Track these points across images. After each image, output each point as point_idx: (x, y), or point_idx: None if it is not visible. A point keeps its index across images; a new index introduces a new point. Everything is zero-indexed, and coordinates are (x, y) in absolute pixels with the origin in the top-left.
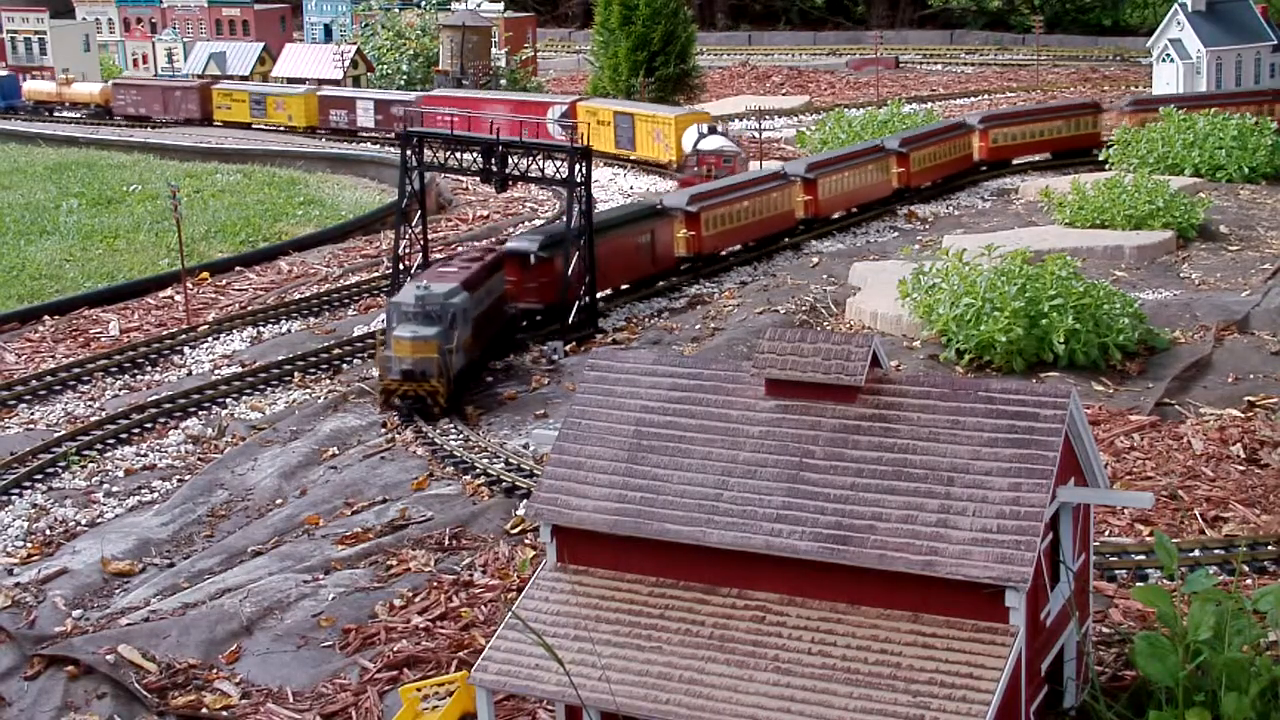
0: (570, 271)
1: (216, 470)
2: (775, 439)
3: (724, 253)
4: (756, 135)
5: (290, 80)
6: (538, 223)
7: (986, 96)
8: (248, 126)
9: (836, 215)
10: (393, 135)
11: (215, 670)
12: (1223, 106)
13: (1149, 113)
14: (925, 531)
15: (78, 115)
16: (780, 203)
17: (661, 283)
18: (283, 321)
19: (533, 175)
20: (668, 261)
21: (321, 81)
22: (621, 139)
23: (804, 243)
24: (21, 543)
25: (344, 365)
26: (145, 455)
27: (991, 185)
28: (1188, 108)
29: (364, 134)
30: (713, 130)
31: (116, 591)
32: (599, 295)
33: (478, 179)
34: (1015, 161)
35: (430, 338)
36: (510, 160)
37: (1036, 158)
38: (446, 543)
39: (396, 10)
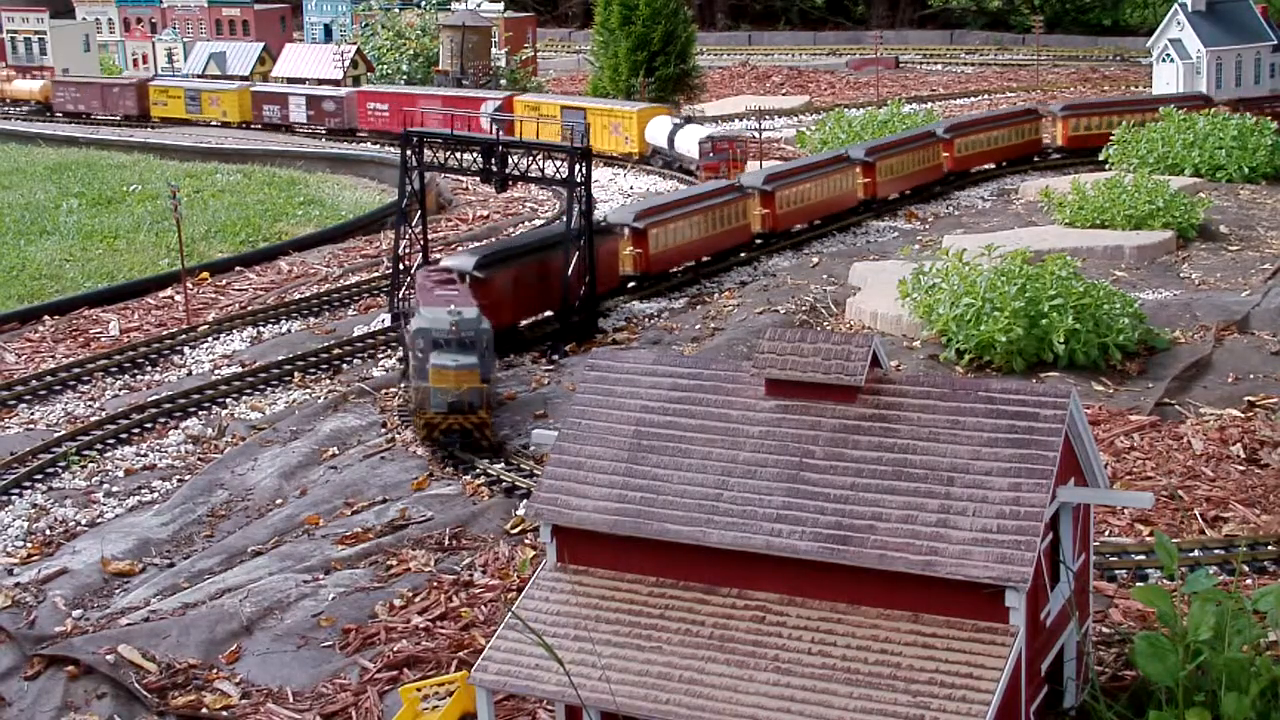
0: (570, 272)
1: (216, 470)
2: (775, 439)
3: (674, 270)
4: (756, 135)
5: (290, 80)
6: (537, 223)
7: (987, 96)
8: (184, 122)
9: (797, 229)
10: (323, 130)
11: (215, 670)
12: (1146, 114)
13: (1082, 117)
14: (925, 531)
15: (20, 111)
16: (735, 216)
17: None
18: (283, 321)
19: (533, 175)
20: (611, 281)
21: (321, 81)
22: (575, 132)
23: (758, 258)
24: (21, 543)
25: (344, 365)
26: (145, 455)
27: (991, 185)
28: (1117, 113)
29: (297, 128)
30: (689, 120)
31: (116, 591)
32: (521, 323)
33: (478, 179)
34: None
35: (473, 366)
36: (510, 160)
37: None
38: (446, 543)
39: (396, 10)
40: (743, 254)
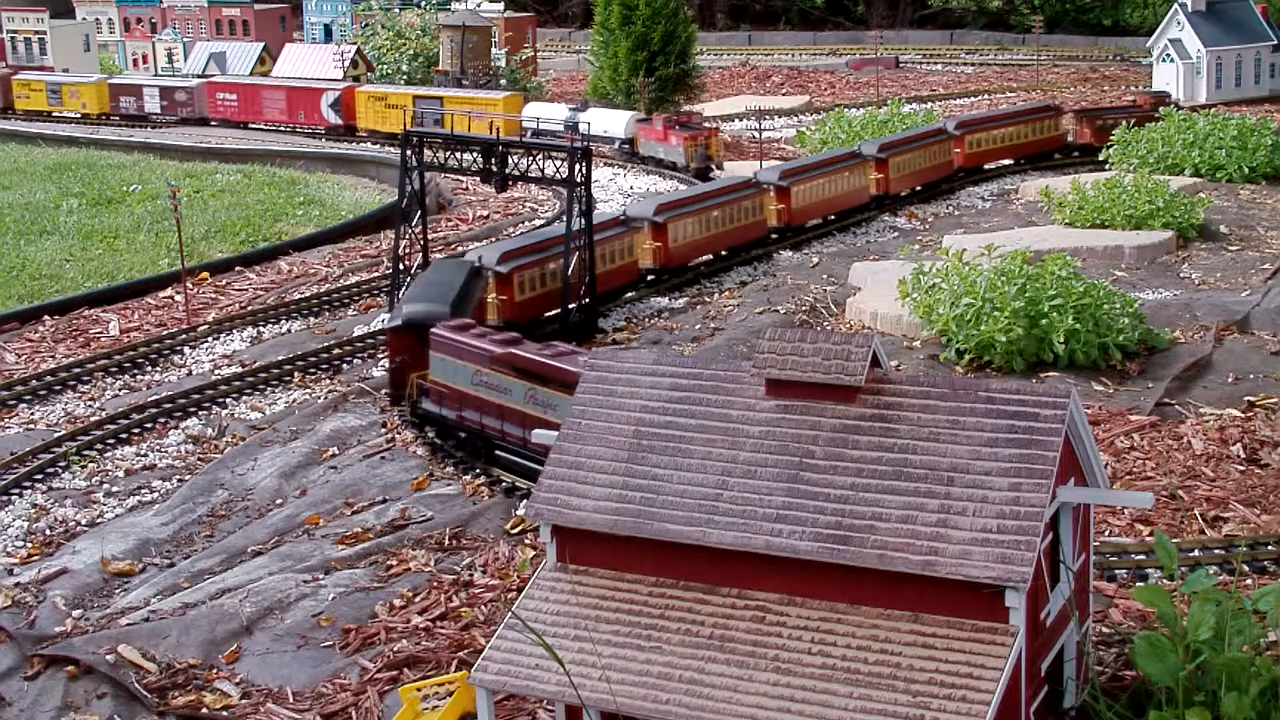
0: (569, 272)
1: (216, 470)
2: (775, 439)
3: (545, 315)
4: (756, 135)
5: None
6: (537, 223)
7: (986, 96)
8: (47, 115)
9: (695, 262)
10: (175, 119)
11: (215, 670)
12: (1023, 123)
13: (974, 133)
14: (925, 531)
15: None
16: (624, 252)
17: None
18: (283, 321)
19: (533, 175)
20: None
21: (327, 81)
22: (426, 120)
23: (646, 297)
24: (21, 543)
25: (344, 365)
26: (145, 455)
27: (991, 185)
28: (1001, 124)
29: (153, 119)
30: (585, 105)
31: (116, 591)
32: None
33: (478, 179)
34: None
35: None
36: (510, 160)
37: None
38: (446, 543)
39: (396, 10)
40: (629, 293)
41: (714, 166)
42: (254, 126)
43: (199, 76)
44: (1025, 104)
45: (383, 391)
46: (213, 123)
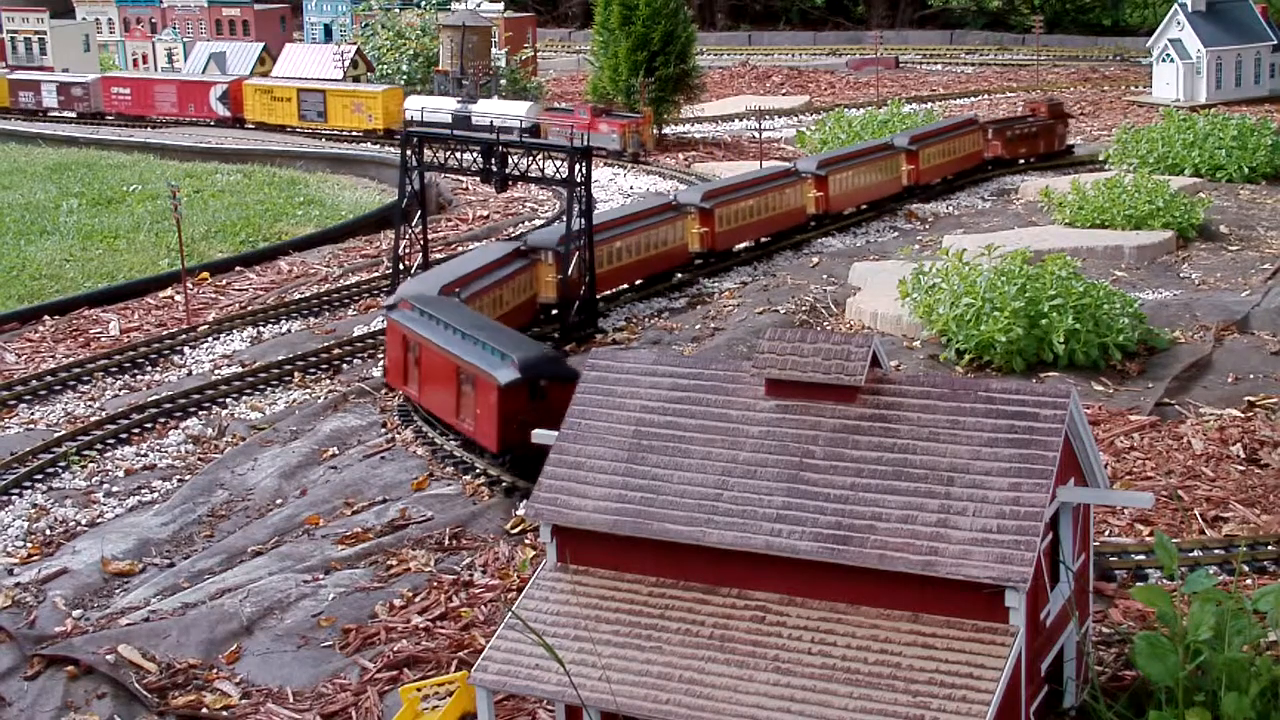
0: (570, 271)
1: (216, 470)
2: (775, 439)
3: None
4: (756, 135)
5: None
6: (537, 223)
7: (986, 96)
8: None
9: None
10: (74, 114)
11: (215, 670)
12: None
13: (834, 173)
14: (925, 531)
15: None
16: (526, 286)
17: None
18: (283, 321)
19: (533, 175)
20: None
21: (323, 81)
22: (309, 113)
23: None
24: (21, 543)
25: (344, 365)
26: (145, 455)
27: (991, 185)
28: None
29: (50, 113)
30: (472, 97)
31: (116, 591)
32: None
33: (478, 179)
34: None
35: None
36: (510, 160)
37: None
38: (446, 543)
39: (396, 10)
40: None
41: (645, 152)
42: (147, 120)
43: (94, 74)
44: (952, 119)
45: (477, 466)
46: (109, 116)
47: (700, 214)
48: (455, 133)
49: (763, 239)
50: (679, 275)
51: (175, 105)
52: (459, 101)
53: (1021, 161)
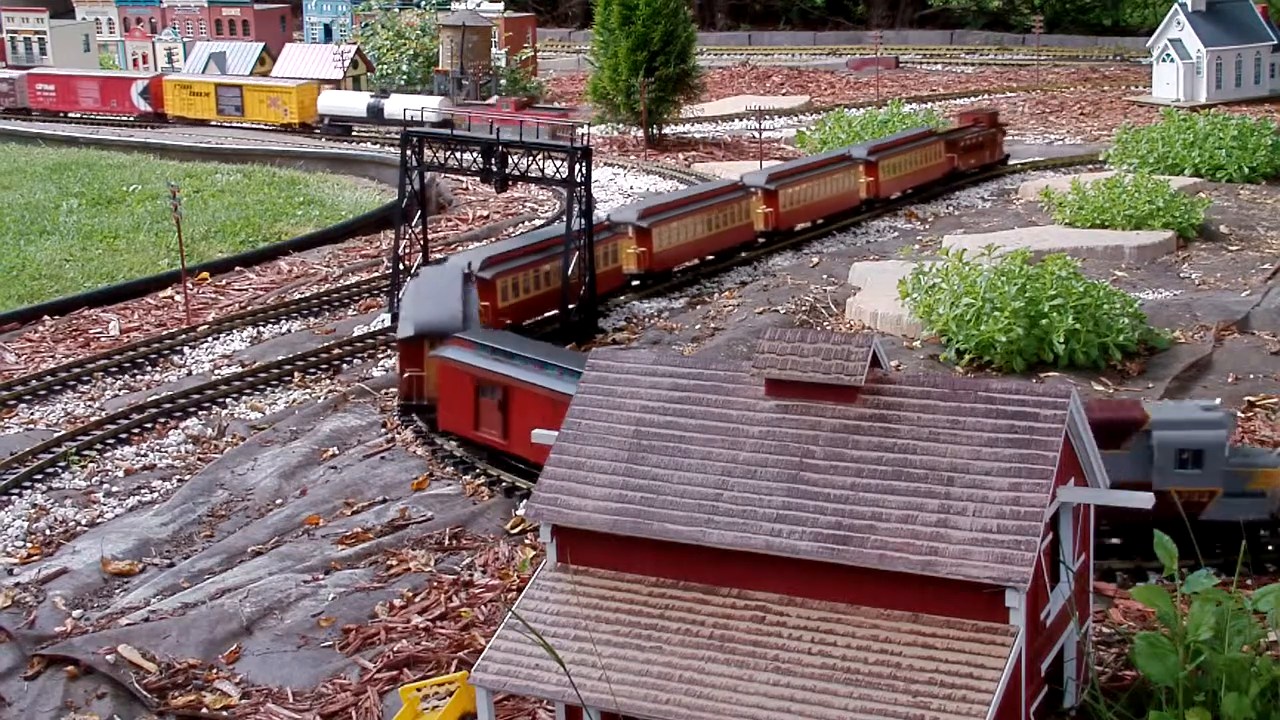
0: (570, 271)
1: (216, 470)
2: (775, 439)
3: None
4: (756, 135)
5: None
6: (538, 223)
7: (986, 96)
8: None
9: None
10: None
11: (215, 670)
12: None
13: (785, 187)
14: (925, 531)
15: None
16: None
17: None
18: (283, 321)
19: (533, 175)
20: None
21: (322, 81)
22: (227, 107)
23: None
24: (21, 543)
25: (344, 365)
26: (145, 455)
27: (991, 185)
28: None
29: None
30: (387, 92)
31: (116, 591)
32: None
33: (478, 179)
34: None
35: None
36: (510, 160)
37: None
38: (446, 543)
39: (396, 10)
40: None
41: None
42: (71, 116)
43: (20, 69)
44: (912, 130)
45: None
46: (34, 113)
47: (637, 233)
48: (455, 133)
49: (708, 257)
50: (612, 300)
51: (98, 101)
52: (372, 96)
53: (969, 173)
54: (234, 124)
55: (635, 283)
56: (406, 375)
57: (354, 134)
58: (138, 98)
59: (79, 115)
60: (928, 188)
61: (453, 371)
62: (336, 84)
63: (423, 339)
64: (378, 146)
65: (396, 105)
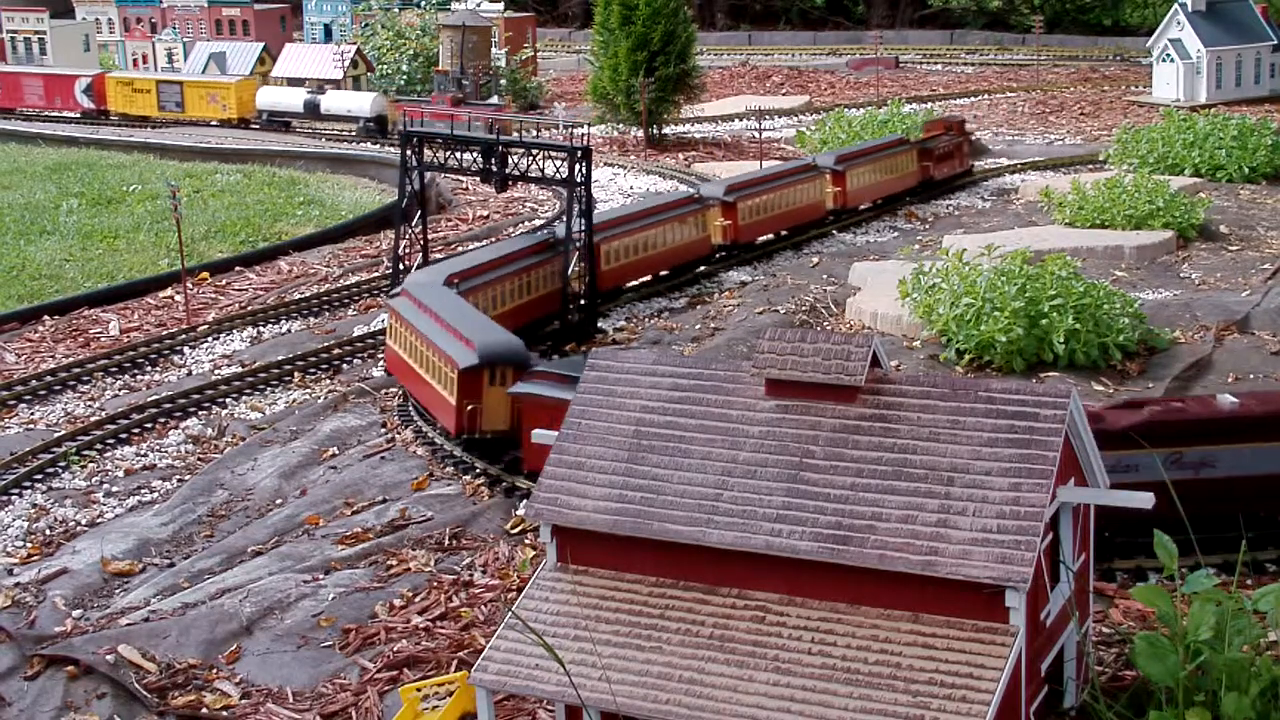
0: (569, 271)
1: (216, 470)
2: (775, 439)
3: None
4: (757, 135)
5: (290, 81)
6: (538, 223)
7: (986, 96)
8: None
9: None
10: None
11: (215, 670)
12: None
13: (744, 199)
14: (925, 531)
15: None
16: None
17: None
18: (283, 321)
19: (533, 175)
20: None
21: (322, 81)
22: (168, 103)
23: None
24: (21, 543)
25: (344, 365)
26: (145, 455)
27: (991, 185)
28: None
29: None
30: (323, 89)
31: (116, 591)
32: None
33: (478, 179)
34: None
35: None
36: (510, 160)
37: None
38: (446, 543)
39: (396, 10)
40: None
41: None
42: (17, 112)
43: None
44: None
45: None
46: None
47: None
48: (455, 133)
49: (661, 273)
50: (556, 323)
51: (42, 98)
52: (309, 92)
53: (943, 183)
54: (175, 120)
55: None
56: (469, 408)
57: (291, 128)
58: (81, 95)
59: (29, 112)
60: (899, 198)
61: (543, 408)
62: (337, 84)
63: (483, 369)
64: (378, 146)
65: (333, 101)
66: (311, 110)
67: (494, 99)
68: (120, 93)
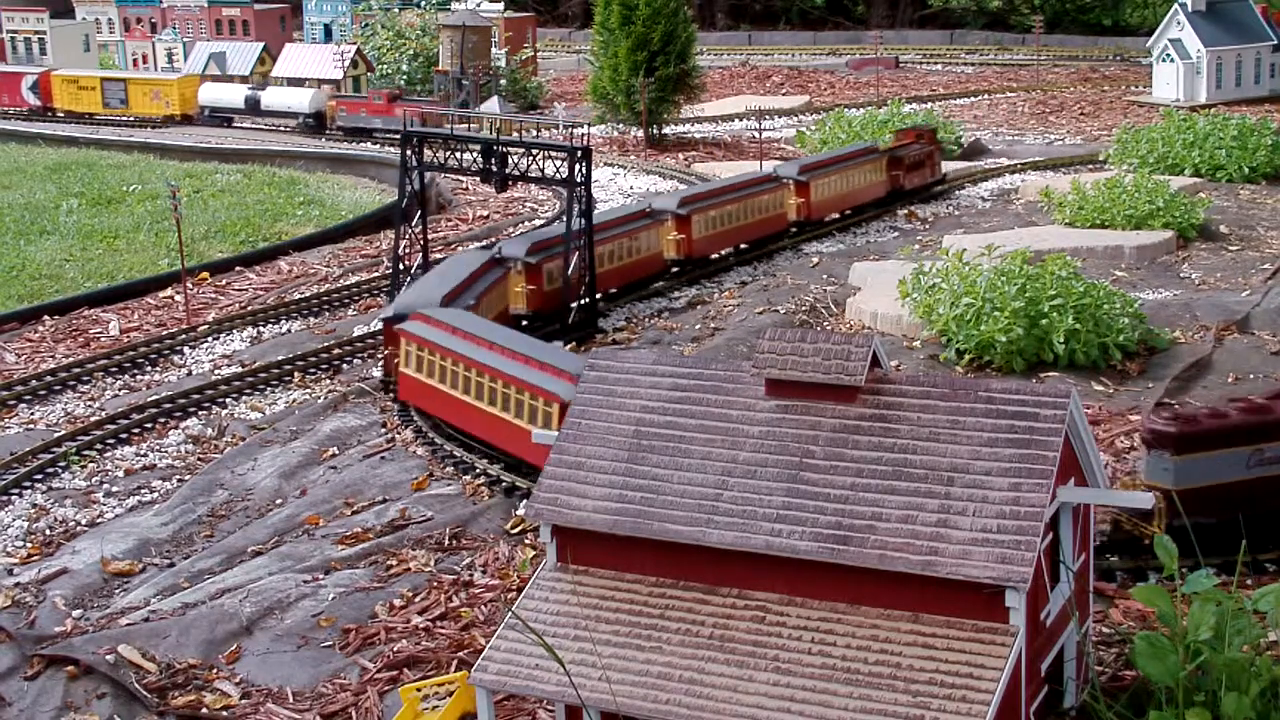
0: (570, 272)
1: (216, 470)
2: (775, 439)
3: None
4: (756, 135)
5: (290, 81)
6: (537, 223)
7: (986, 96)
8: None
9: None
10: None
11: (215, 670)
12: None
13: (699, 212)
14: (925, 531)
15: None
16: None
17: None
18: (283, 321)
19: (533, 175)
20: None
21: (322, 81)
22: (112, 100)
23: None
24: (21, 543)
25: (344, 365)
26: (145, 455)
27: (991, 185)
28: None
29: None
30: (265, 84)
31: (116, 591)
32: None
33: (478, 179)
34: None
35: None
36: (510, 160)
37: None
38: (446, 543)
39: (396, 10)
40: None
41: None
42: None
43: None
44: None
45: None
46: None
47: (527, 270)
48: (455, 133)
49: (611, 290)
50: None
51: None
52: (249, 88)
53: (914, 193)
54: (119, 117)
55: (523, 322)
56: None
57: (233, 124)
58: (27, 92)
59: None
60: (867, 208)
61: None
62: (337, 84)
63: None
64: (378, 146)
65: (273, 97)
66: (252, 106)
67: (493, 99)
68: (65, 90)
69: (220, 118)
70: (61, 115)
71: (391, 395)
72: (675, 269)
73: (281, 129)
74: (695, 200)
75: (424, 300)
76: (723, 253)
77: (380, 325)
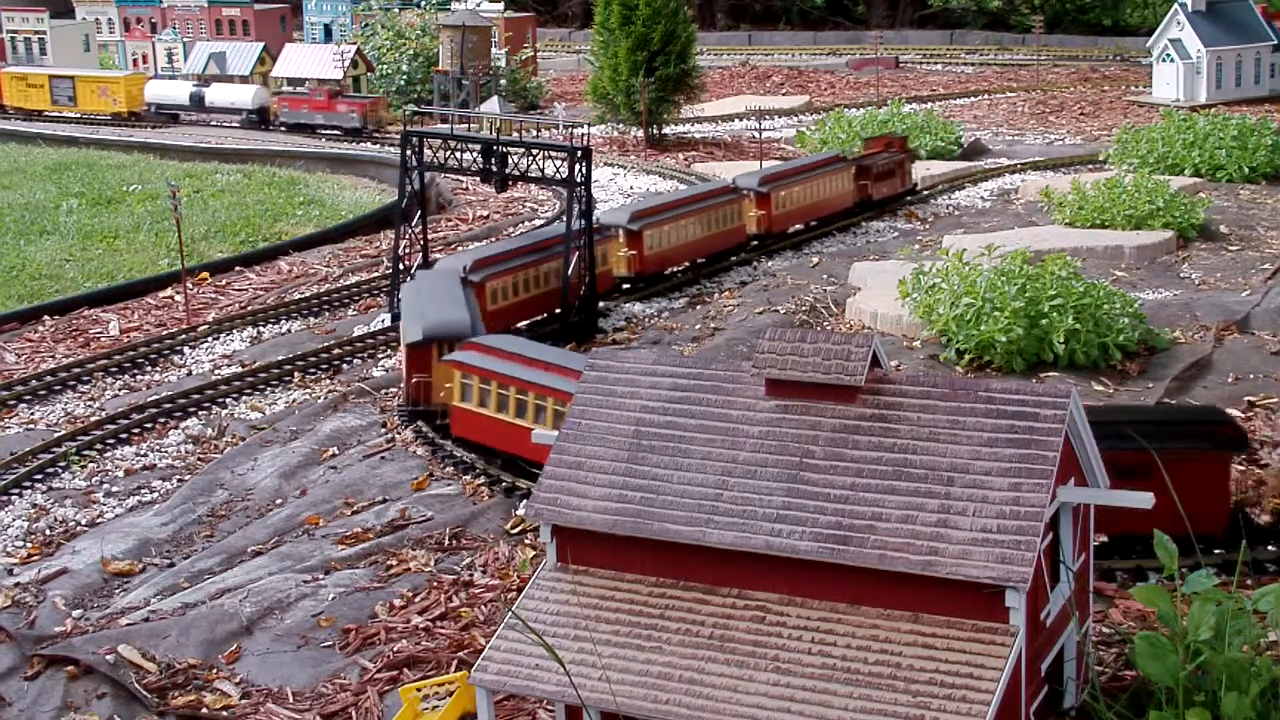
0: (570, 272)
1: (216, 470)
2: (775, 439)
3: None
4: (757, 135)
5: (290, 81)
6: (538, 223)
7: (986, 96)
8: None
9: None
10: None
11: (215, 670)
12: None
13: (651, 227)
14: (925, 531)
15: None
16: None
17: None
18: (283, 321)
19: (533, 175)
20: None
21: (321, 81)
22: (60, 97)
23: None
24: (21, 543)
25: (344, 365)
26: (145, 455)
27: (991, 185)
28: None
29: None
30: (208, 82)
31: (116, 591)
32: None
33: (478, 179)
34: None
35: None
36: (510, 160)
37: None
38: (446, 543)
39: (396, 10)
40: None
41: (380, 127)
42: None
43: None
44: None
45: None
46: None
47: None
48: (455, 133)
49: (553, 312)
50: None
51: None
52: (195, 85)
53: (882, 203)
54: (67, 114)
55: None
56: None
57: (180, 120)
58: None
59: None
60: (833, 219)
61: None
62: (337, 84)
63: None
64: (378, 146)
65: (217, 94)
66: (197, 103)
67: (493, 99)
68: (15, 87)
69: (166, 114)
70: (11, 112)
71: (431, 429)
72: (626, 285)
73: (226, 124)
74: (645, 215)
75: (451, 320)
76: (677, 269)
77: (394, 338)
